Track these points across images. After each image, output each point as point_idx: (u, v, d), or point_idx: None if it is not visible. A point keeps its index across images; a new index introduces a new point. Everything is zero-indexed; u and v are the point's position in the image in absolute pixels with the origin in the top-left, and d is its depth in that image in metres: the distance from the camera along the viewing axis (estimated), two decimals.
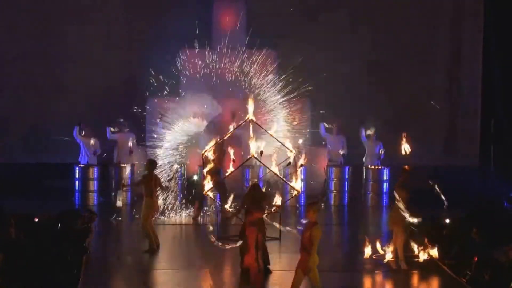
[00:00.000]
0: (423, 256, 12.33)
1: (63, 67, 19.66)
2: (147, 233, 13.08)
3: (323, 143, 18.30)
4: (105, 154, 18.03)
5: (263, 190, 13.28)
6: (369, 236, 12.99)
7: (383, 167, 17.70)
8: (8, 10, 19.72)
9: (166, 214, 16.10)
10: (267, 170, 14.01)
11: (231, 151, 13.83)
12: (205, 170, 13.68)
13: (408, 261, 12.21)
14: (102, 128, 18.04)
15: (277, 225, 12.94)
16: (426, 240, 12.63)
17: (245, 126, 13.85)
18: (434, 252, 12.35)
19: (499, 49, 19.63)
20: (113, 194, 17.40)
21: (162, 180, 14.35)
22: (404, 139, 12.87)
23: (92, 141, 17.56)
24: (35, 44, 19.70)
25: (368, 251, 12.45)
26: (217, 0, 19.17)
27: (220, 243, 11.25)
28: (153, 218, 13.49)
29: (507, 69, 19.34)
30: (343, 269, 12.42)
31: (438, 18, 20.61)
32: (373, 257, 12.42)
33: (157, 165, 14.09)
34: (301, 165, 13.50)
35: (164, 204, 16.08)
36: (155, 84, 18.44)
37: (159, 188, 13.55)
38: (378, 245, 12.47)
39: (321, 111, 18.10)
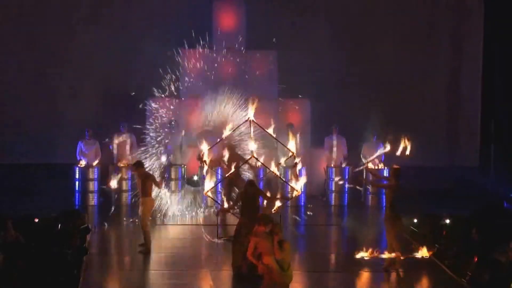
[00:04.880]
0: (416, 254, 12.34)
1: (63, 69, 19.67)
2: (146, 232, 13.09)
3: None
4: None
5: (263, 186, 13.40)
6: (365, 237, 13.06)
7: (383, 168, 17.68)
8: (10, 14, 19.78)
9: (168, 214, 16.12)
10: (267, 171, 14.02)
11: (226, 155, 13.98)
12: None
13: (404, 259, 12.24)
14: (103, 130, 18.03)
15: None
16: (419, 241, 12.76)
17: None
18: (425, 252, 12.34)
19: (499, 49, 19.63)
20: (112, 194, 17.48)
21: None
22: (388, 142, 13.02)
23: (94, 150, 17.57)
24: (35, 46, 19.70)
25: (361, 252, 12.47)
26: (216, 0, 19.17)
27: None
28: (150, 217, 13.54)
29: (507, 70, 19.34)
30: (343, 269, 12.43)
31: (438, 18, 20.60)
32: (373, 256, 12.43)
33: (144, 164, 14.00)
34: (296, 164, 13.50)
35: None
36: (156, 85, 18.47)
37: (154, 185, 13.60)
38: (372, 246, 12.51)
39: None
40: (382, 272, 12.08)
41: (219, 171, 15.76)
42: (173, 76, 18.35)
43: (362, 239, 13.47)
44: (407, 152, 12.53)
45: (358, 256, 12.35)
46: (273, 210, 13.13)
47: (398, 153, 12.57)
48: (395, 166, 12.55)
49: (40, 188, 17.85)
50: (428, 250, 12.40)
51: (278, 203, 12.79)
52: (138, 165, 13.57)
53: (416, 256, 12.31)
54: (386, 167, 17.60)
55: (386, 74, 20.03)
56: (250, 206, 11.87)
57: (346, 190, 17.87)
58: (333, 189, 17.86)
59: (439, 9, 20.62)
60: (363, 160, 17.88)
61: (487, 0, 20.21)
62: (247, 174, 16.13)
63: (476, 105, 20.50)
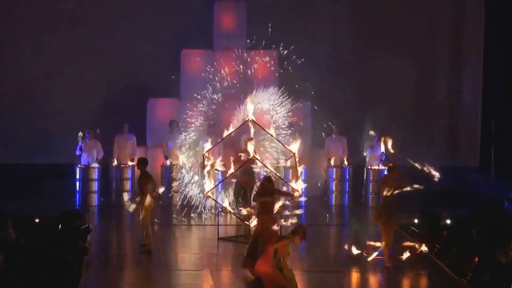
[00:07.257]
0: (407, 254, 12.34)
1: (62, 68, 19.67)
2: (147, 232, 13.08)
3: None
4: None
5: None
6: (362, 236, 13.09)
7: (383, 168, 17.67)
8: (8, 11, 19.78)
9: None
10: (268, 170, 14.02)
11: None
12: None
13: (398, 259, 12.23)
14: (103, 130, 18.05)
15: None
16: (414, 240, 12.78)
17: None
18: (423, 247, 12.34)
19: (499, 49, 19.64)
20: (113, 195, 17.49)
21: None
22: (381, 142, 13.13)
23: (94, 152, 17.50)
24: (34, 46, 19.71)
25: (354, 249, 12.50)
26: (217, 0, 19.18)
27: None
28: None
29: (507, 69, 19.35)
30: (343, 269, 12.42)
31: (439, 19, 20.62)
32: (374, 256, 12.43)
33: (146, 162, 13.83)
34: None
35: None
36: (156, 85, 18.48)
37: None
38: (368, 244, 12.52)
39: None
40: (382, 272, 12.08)
41: None
42: (174, 76, 18.39)
43: (362, 238, 13.45)
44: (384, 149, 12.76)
45: (349, 248, 12.41)
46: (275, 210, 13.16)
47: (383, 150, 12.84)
48: (389, 164, 12.76)
49: (40, 188, 17.86)
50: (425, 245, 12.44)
51: (280, 203, 12.83)
52: (140, 162, 13.40)
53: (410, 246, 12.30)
54: (385, 168, 17.61)
55: (386, 74, 20.04)
56: (267, 206, 11.72)
57: (347, 190, 17.89)
58: (334, 189, 17.88)
59: (439, 9, 20.64)
60: (367, 159, 17.91)
61: (487, 0, 20.23)
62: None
63: (476, 106, 20.50)
